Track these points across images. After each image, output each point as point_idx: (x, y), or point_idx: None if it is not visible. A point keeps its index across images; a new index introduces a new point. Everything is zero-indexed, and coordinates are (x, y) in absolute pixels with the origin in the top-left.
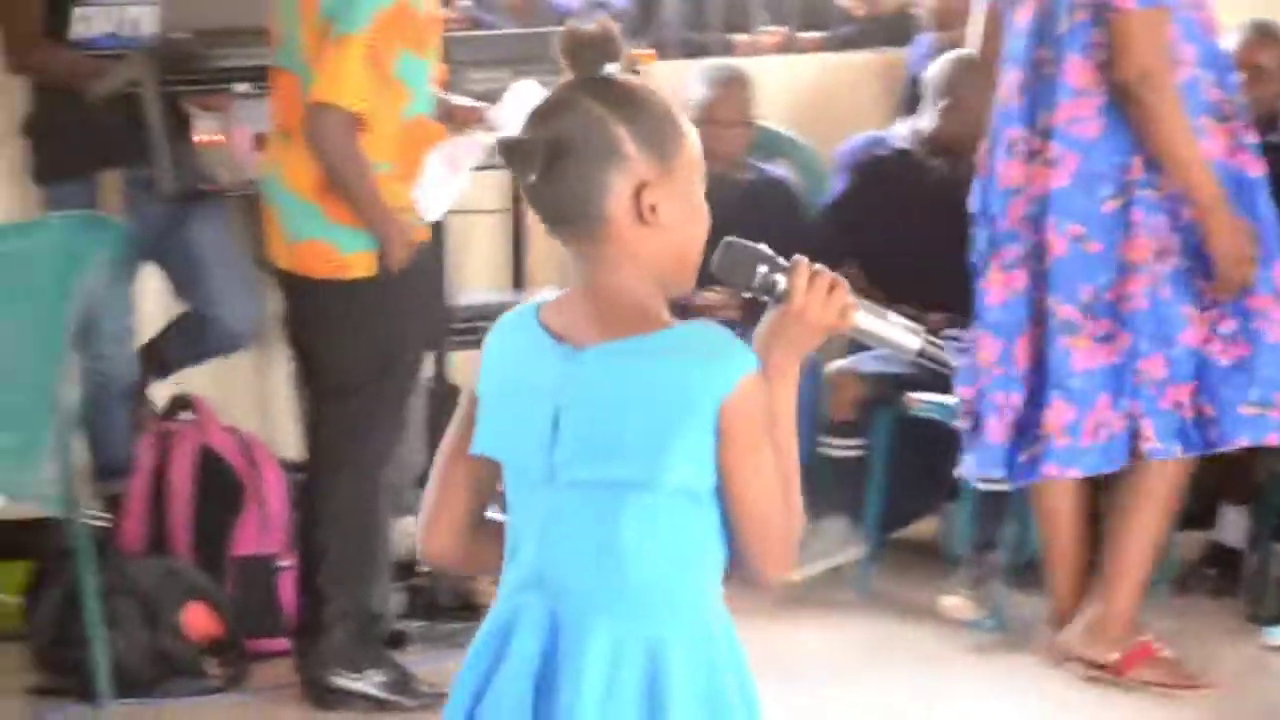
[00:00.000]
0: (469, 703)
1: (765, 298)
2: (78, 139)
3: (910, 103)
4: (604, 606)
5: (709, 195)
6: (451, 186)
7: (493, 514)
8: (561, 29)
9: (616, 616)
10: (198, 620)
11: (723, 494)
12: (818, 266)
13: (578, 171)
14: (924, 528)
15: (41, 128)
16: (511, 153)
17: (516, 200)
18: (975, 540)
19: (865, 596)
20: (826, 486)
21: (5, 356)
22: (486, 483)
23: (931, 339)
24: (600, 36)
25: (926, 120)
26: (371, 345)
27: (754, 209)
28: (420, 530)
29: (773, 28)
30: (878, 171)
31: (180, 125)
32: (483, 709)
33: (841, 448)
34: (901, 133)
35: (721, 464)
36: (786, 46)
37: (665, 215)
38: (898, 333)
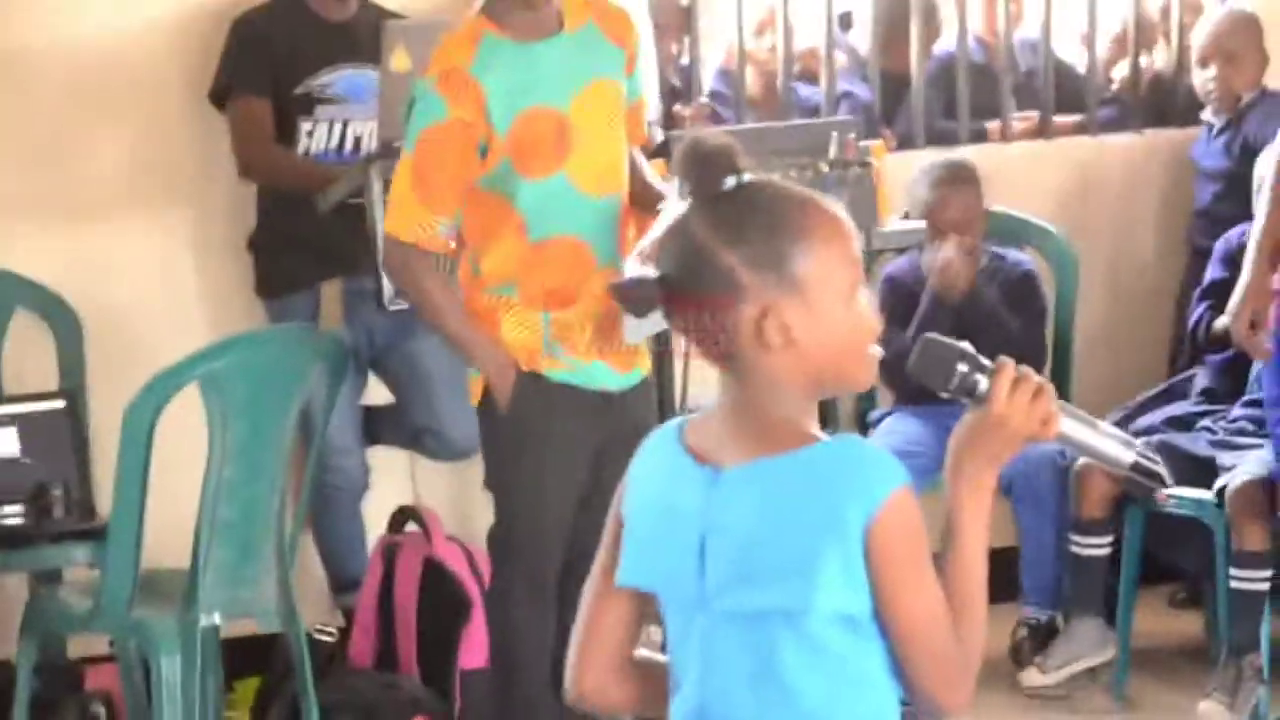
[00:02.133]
0: None
1: (965, 399)
2: (302, 251)
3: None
4: None
5: (943, 293)
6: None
7: (642, 650)
8: (682, 142)
9: None
10: None
11: (882, 618)
12: (1023, 369)
13: (696, 307)
14: (1189, 628)
15: (267, 241)
16: (624, 295)
17: None
18: (1232, 641)
19: (1121, 702)
20: (1076, 586)
21: (225, 471)
22: (637, 614)
23: (1146, 452)
24: (718, 149)
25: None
26: (496, 474)
27: (989, 297)
28: (571, 668)
29: (1025, 112)
30: None
31: None
32: None
33: (1091, 546)
34: None
35: (876, 586)
36: (1040, 131)
37: (801, 334)
38: (1108, 444)
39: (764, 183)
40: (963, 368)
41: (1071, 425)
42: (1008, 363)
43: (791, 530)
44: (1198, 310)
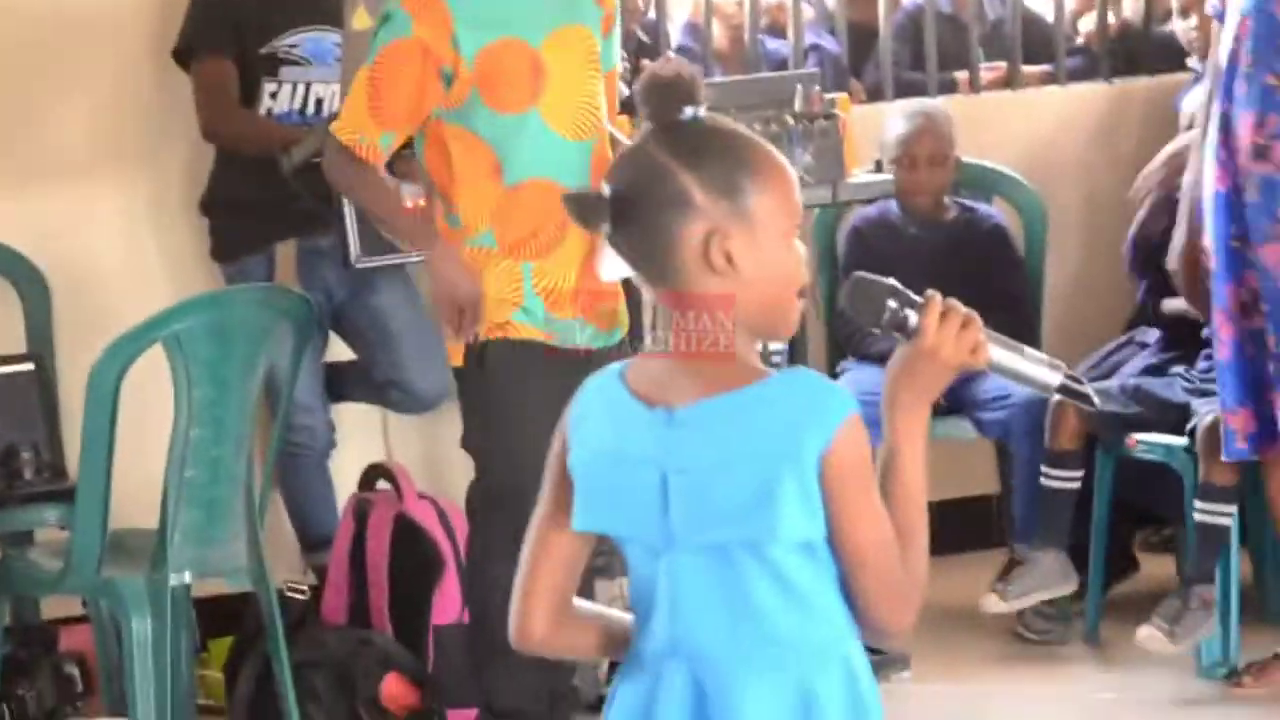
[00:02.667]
0: None
1: (896, 334)
2: (254, 213)
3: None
4: (749, 663)
5: (909, 233)
6: None
7: (580, 601)
8: (642, 74)
9: (764, 671)
10: (396, 691)
11: (835, 544)
12: (950, 301)
13: (645, 222)
14: (1162, 571)
15: (218, 203)
16: (575, 205)
17: None
18: (1187, 573)
19: (1094, 645)
20: (1042, 517)
21: (191, 431)
22: (581, 558)
23: (1072, 374)
24: (676, 80)
25: None
26: (474, 436)
27: (958, 248)
28: (516, 613)
29: (994, 63)
30: None
31: None
32: None
33: (1060, 479)
34: None
35: (830, 513)
36: (1009, 82)
37: (744, 263)
38: (1036, 369)
39: (720, 119)
40: (892, 303)
41: (1000, 353)
42: (934, 295)
43: (752, 463)
44: (1141, 288)
